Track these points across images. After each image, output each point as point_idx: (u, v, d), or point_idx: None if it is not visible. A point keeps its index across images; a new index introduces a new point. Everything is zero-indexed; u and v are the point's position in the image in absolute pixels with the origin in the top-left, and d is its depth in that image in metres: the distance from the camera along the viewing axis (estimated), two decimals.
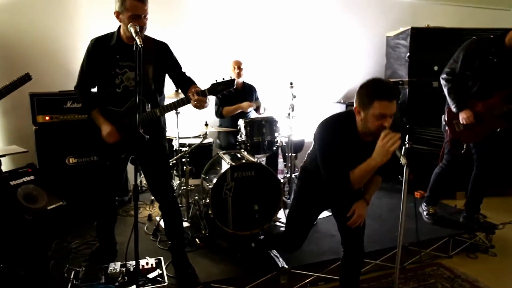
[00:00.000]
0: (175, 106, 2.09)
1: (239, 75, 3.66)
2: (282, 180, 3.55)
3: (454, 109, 2.75)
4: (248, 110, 3.67)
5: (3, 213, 2.46)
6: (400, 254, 2.05)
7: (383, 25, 4.52)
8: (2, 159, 2.88)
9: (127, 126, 2.05)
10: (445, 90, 2.77)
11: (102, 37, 2.05)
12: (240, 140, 3.27)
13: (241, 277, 2.26)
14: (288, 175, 3.52)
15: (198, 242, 2.65)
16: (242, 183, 2.76)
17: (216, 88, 2.04)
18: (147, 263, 2.23)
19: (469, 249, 2.86)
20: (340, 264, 2.17)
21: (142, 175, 3.44)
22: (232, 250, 2.53)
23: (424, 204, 3.16)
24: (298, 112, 3.46)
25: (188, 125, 3.48)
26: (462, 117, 2.72)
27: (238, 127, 3.29)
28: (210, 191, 2.70)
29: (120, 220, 2.96)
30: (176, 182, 3.33)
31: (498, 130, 2.75)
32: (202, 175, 3.06)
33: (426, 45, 3.89)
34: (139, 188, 3.86)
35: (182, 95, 2.44)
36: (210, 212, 2.72)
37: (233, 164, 2.74)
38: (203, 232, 2.77)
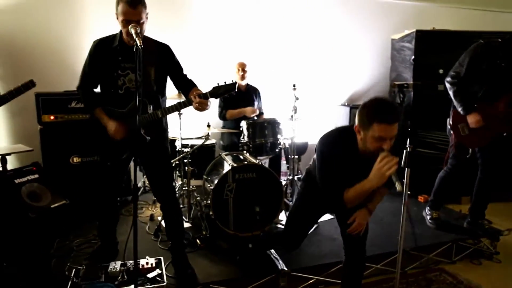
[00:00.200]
0: (177, 108, 2.11)
1: (243, 77, 3.67)
2: (284, 182, 3.55)
3: (461, 112, 2.71)
4: (251, 116, 3.68)
5: (7, 210, 2.50)
6: (400, 258, 2.03)
7: (388, 27, 4.50)
8: (8, 157, 2.95)
9: (129, 127, 2.06)
10: (451, 93, 2.74)
11: (104, 38, 2.07)
12: (242, 141, 3.27)
13: (240, 279, 2.26)
14: (291, 177, 3.51)
15: (199, 242, 2.66)
16: (243, 184, 2.76)
17: (217, 91, 2.07)
18: (147, 263, 2.24)
19: (473, 255, 2.82)
20: (341, 267, 2.16)
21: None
22: (232, 252, 2.53)
23: (428, 208, 3.13)
24: (302, 115, 3.46)
25: (191, 126, 3.50)
26: (471, 121, 2.68)
27: (241, 129, 3.30)
28: (211, 192, 2.71)
29: (122, 220, 2.98)
30: (178, 182, 3.34)
31: (504, 134, 2.71)
32: (204, 176, 3.07)
33: (431, 48, 3.86)
34: (143, 188, 3.88)
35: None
36: (211, 213, 2.72)
37: (235, 165, 2.74)
38: (204, 233, 2.77)
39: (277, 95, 4.20)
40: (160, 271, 2.18)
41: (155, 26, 3.44)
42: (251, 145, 3.19)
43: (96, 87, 2.16)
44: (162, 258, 2.32)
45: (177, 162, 3.12)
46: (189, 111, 2.40)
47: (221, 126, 3.74)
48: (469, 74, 2.65)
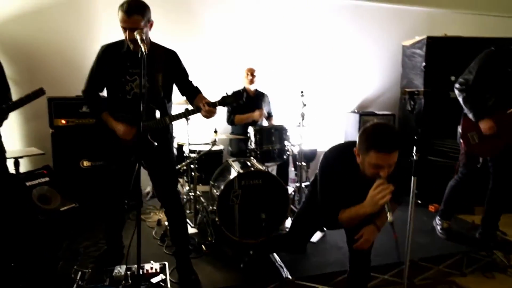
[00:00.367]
0: (185, 115, 2.14)
1: (252, 81, 3.69)
2: (292, 189, 3.53)
3: (472, 119, 2.65)
4: (260, 119, 3.68)
5: (18, 212, 2.55)
6: (407, 268, 2.00)
7: (399, 34, 4.46)
8: (21, 160, 3.02)
9: (136, 132, 2.09)
10: (460, 100, 2.68)
11: (112, 44, 2.10)
12: (250, 147, 3.28)
13: (243, 286, 2.25)
14: (298, 185, 3.49)
15: (204, 248, 2.66)
16: (250, 191, 2.75)
17: (226, 100, 2.11)
18: (151, 268, 2.26)
19: (485, 267, 2.73)
20: (346, 278, 2.12)
21: None
22: (237, 258, 2.52)
23: (438, 218, 3.06)
24: (310, 121, 3.46)
25: (199, 132, 3.52)
26: (483, 127, 2.61)
27: (248, 135, 3.31)
28: (217, 198, 2.71)
29: (130, 224, 3.00)
30: (185, 188, 3.36)
31: None
32: (211, 182, 3.07)
33: (443, 54, 3.80)
34: (152, 193, 3.91)
35: None
36: (216, 219, 2.72)
37: (241, 171, 2.74)
38: (209, 239, 2.77)
39: (285, 102, 4.19)
40: (164, 276, 2.19)
41: (170, 32, 3.52)
42: (258, 152, 3.19)
43: (101, 91, 2.20)
44: (166, 263, 2.34)
45: (184, 167, 3.14)
46: (197, 116, 2.44)
47: (230, 132, 3.76)
48: (478, 82, 2.59)
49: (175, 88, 2.26)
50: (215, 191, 2.90)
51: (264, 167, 2.98)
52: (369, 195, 1.64)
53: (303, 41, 4.34)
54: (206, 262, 2.52)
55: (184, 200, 3.25)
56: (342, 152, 1.85)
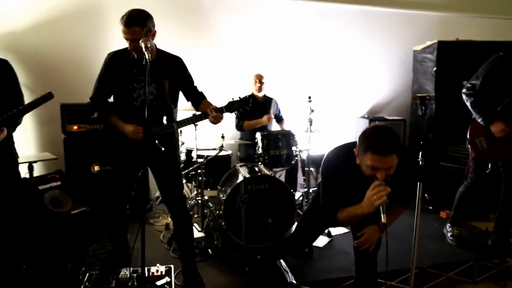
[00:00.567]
0: (192, 120, 2.17)
1: (260, 88, 3.72)
2: (300, 194, 3.52)
3: (482, 123, 2.60)
4: (269, 124, 3.70)
5: (30, 215, 2.63)
6: (413, 275, 1.96)
7: (410, 38, 4.42)
8: (35, 164, 3.12)
9: (143, 138, 2.13)
10: (468, 105, 2.64)
11: (119, 51, 2.15)
12: (258, 153, 3.29)
13: None
14: (306, 190, 3.48)
15: (210, 252, 2.67)
16: (256, 195, 2.76)
17: (232, 106, 2.14)
18: (157, 270, 2.29)
19: (497, 276, 2.65)
20: (351, 284, 2.10)
21: None
22: (242, 262, 2.52)
23: (449, 224, 3.00)
24: (320, 127, 3.45)
25: (207, 137, 3.56)
26: (495, 131, 2.55)
27: (256, 140, 3.32)
28: (223, 202, 2.73)
29: (137, 227, 3.04)
30: (194, 192, 3.39)
31: None
32: (219, 187, 3.10)
33: (454, 59, 3.74)
34: (161, 197, 3.95)
35: None
36: (223, 223, 2.74)
37: (247, 176, 2.76)
38: (216, 243, 2.79)
39: (294, 107, 4.19)
40: (169, 279, 2.21)
41: (180, 40, 3.62)
42: (266, 157, 3.20)
43: (109, 97, 2.25)
44: (172, 266, 2.36)
45: (192, 172, 3.17)
46: (205, 122, 2.47)
47: (239, 138, 3.78)
48: (485, 87, 2.55)
49: (181, 94, 2.30)
50: (221, 195, 2.92)
51: (271, 172, 2.99)
52: (366, 196, 1.66)
53: (313, 47, 4.35)
54: (211, 265, 2.53)
55: (191, 204, 3.28)
56: (343, 152, 1.87)
